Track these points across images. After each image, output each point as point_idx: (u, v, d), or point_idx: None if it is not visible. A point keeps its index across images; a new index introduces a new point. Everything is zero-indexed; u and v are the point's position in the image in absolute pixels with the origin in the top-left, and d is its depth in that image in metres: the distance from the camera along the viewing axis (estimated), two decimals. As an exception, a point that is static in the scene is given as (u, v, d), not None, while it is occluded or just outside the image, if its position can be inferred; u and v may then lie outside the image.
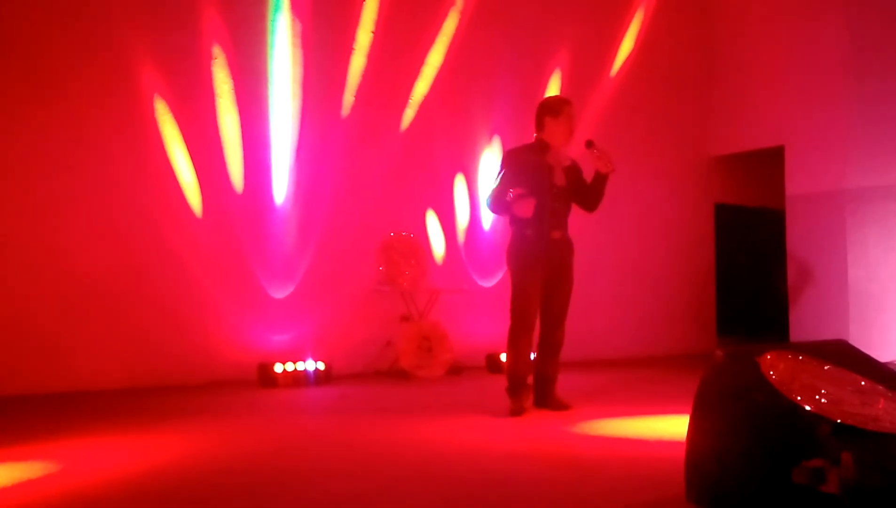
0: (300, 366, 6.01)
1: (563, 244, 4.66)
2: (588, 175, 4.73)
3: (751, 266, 9.56)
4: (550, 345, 4.69)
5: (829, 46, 7.81)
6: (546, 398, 4.68)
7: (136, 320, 5.82)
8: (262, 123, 6.40)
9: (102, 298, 5.72)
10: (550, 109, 4.68)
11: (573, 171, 4.70)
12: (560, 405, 4.64)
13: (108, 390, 5.56)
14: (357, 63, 6.84)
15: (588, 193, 4.71)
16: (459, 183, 7.40)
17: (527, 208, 4.38)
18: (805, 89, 8.02)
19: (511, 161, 4.63)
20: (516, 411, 4.49)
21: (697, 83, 9.07)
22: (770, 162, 8.71)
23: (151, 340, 5.86)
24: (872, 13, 7.55)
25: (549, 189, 4.54)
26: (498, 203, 4.59)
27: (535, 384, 4.72)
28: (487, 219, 7.50)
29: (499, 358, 6.82)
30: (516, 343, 4.58)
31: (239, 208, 6.29)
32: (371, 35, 6.89)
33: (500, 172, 4.65)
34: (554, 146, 4.65)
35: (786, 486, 2.19)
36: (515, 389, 4.58)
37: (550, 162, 4.62)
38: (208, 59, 6.19)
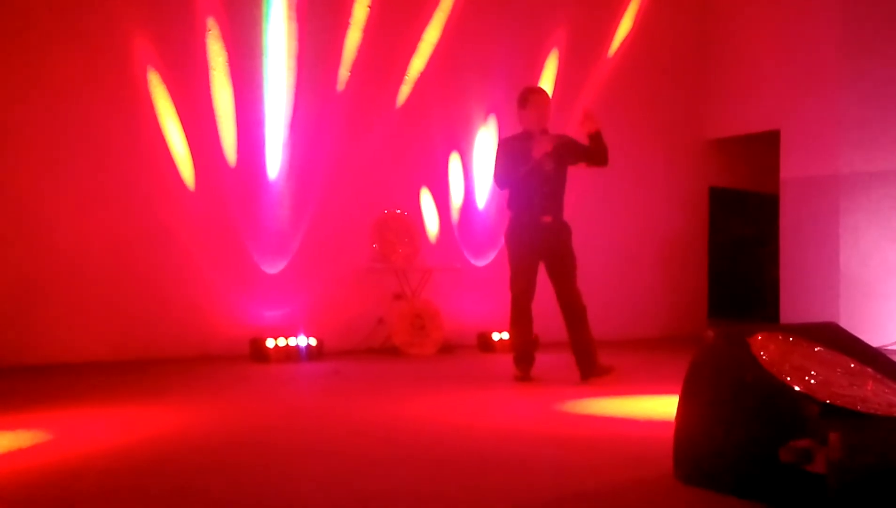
0: (292, 342, 6.01)
1: (556, 227, 4.89)
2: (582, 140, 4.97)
3: (744, 250, 9.60)
4: (573, 315, 4.85)
5: (826, 31, 7.79)
6: (590, 368, 4.79)
7: (127, 293, 5.80)
8: (257, 96, 6.35)
9: (93, 270, 5.69)
10: (518, 102, 5.02)
11: (563, 144, 4.90)
12: (603, 371, 4.78)
13: (100, 362, 5.56)
14: (353, 38, 6.78)
15: (589, 151, 4.92)
16: (454, 162, 7.37)
17: (543, 146, 4.73)
18: (801, 74, 8.01)
19: (503, 150, 5.00)
20: (521, 378, 4.94)
21: (694, 66, 9.04)
22: (765, 146, 8.70)
23: (143, 313, 5.84)
24: (869, -2, 7.53)
25: (537, 175, 4.80)
26: (505, 172, 4.89)
27: (576, 358, 4.86)
28: (482, 198, 7.48)
29: (490, 337, 6.84)
30: (515, 321, 4.98)
31: (232, 182, 6.26)
32: (368, 9, 6.83)
33: (496, 158, 5.02)
34: (535, 133, 4.89)
35: (773, 465, 2.20)
36: (520, 360, 4.98)
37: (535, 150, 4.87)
38: (202, 31, 6.12)
